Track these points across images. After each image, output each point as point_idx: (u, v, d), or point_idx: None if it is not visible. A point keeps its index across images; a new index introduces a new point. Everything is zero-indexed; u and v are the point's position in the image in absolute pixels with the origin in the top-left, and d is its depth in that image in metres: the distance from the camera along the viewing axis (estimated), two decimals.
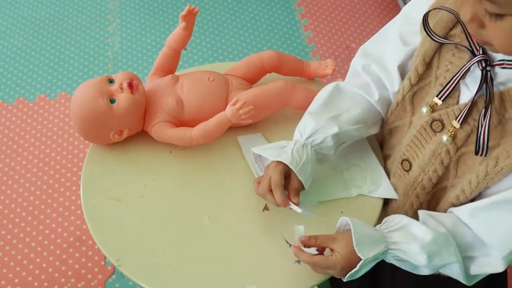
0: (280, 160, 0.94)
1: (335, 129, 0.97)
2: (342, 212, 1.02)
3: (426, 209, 0.96)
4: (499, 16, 0.68)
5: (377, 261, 0.88)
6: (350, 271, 0.86)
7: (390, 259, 0.88)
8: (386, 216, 1.03)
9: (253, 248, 0.98)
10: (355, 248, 0.84)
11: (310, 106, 1.03)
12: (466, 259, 0.88)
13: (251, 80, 1.18)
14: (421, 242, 0.84)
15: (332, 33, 2.40)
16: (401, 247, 0.86)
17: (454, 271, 0.88)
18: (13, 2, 2.54)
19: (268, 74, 1.20)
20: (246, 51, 2.32)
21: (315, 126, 0.97)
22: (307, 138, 0.97)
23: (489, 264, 0.87)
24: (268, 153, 0.97)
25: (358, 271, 0.85)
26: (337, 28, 2.42)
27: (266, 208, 1.03)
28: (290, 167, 0.93)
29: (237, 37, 2.38)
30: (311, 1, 2.54)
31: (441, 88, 0.88)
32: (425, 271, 0.88)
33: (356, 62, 1.03)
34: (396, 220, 0.89)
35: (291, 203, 0.93)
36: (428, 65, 0.92)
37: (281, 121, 1.15)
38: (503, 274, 1.15)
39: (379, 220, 1.01)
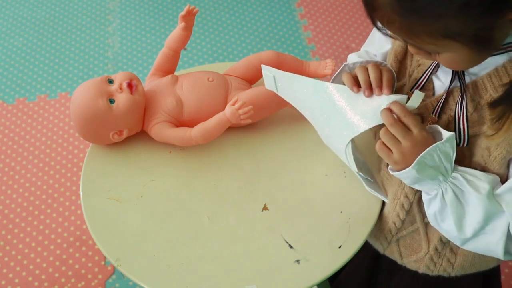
0: (387, 64, 0.95)
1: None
2: (341, 212, 1.02)
3: (417, 207, 0.96)
4: (437, 52, 0.76)
5: (436, 180, 0.83)
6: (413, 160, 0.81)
7: (447, 191, 0.84)
8: (381, 219, 1.03)
9: (253, 248, 0.98)
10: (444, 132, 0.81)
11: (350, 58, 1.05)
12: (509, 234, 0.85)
13: (251, 80, 1.18)
14: (489, 175, 0.83)
15: (332, 33, 2.40)
16: (467, 172, 0.83)
17: (498, 231, 0.83)
18: (13, 2, 2.54)
19: None
20: (246, 51, 2.32)
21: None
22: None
23: None
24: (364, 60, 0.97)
25: (426, 156, 0.80)
26: (337, 28, 2.42)
27: (265, 207, 1.03)
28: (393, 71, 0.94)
29: (237, 37, 2.38)
30: (311, 1, 2.54)
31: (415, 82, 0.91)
32: (475, 217, 0.83)
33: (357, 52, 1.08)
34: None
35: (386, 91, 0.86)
36: (401, 63, 0.95)
37: (281, 121, 1.15)
38: (498, 271, 1.16)
39: (377, 223, 1.02)
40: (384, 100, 0.85)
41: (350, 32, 2.40)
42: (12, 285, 1.70)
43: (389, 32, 0.76)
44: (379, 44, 1.01)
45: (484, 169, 0.85)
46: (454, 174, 0.83)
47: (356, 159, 0.96)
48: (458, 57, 0.75)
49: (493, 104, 0.80)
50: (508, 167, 0.83)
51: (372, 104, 0.86)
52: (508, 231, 0.83)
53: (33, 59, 2.31)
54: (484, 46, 0.74)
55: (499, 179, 0.84)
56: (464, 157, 0.87)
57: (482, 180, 0.82)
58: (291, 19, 2.46)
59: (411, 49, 0.80)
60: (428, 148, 0.80)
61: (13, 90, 2.21)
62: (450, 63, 0.78)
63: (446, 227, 0.87)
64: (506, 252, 0.85)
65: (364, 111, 0.87)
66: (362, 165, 1.02)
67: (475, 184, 0.82)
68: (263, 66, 0.98)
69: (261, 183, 1.07)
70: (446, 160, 0.82)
